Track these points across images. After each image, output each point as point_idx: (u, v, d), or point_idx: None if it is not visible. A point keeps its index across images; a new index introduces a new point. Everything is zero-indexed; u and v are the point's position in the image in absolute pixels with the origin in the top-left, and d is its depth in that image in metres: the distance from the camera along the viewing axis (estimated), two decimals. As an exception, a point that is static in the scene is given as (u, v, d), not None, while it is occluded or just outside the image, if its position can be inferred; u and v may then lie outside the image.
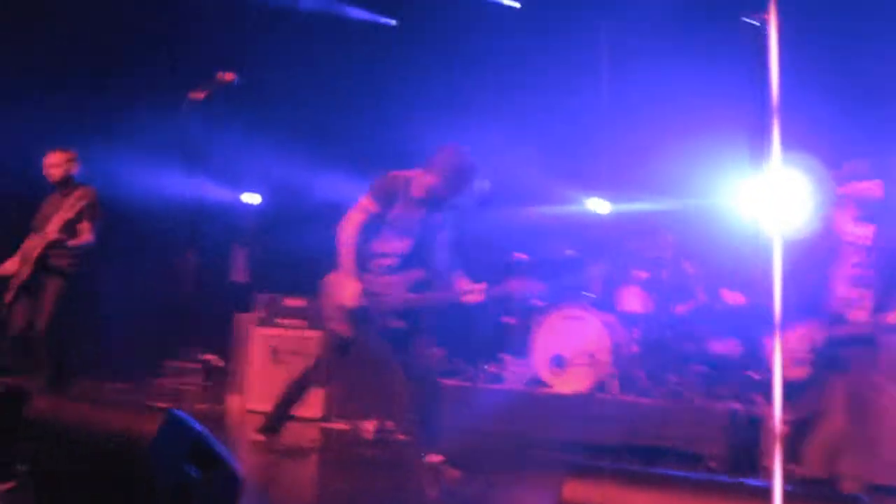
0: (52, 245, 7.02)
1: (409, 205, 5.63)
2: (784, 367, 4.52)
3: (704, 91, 7.05)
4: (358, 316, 5.54)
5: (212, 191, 5.39)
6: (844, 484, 4.87)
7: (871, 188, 5.20)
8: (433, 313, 5.70)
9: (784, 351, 4.70)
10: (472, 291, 5.59)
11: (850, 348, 5.12)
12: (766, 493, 2.06)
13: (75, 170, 7.40)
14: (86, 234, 7.18)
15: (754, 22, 3.49)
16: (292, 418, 6.00)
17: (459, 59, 9.99)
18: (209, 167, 5.06)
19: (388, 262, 5.64)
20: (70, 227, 7.10)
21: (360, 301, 5.51)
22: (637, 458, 6.58)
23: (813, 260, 5.19)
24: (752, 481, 2.22)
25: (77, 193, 7.23)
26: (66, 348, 7.31)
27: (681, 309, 7.93)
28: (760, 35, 3.48)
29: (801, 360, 5.13)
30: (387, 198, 5.60)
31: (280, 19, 10.36)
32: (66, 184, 7.32)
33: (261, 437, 5.81)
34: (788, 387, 4.61)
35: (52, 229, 7.04)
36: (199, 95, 5.04)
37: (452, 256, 5.80)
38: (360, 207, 5.61)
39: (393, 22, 11.10)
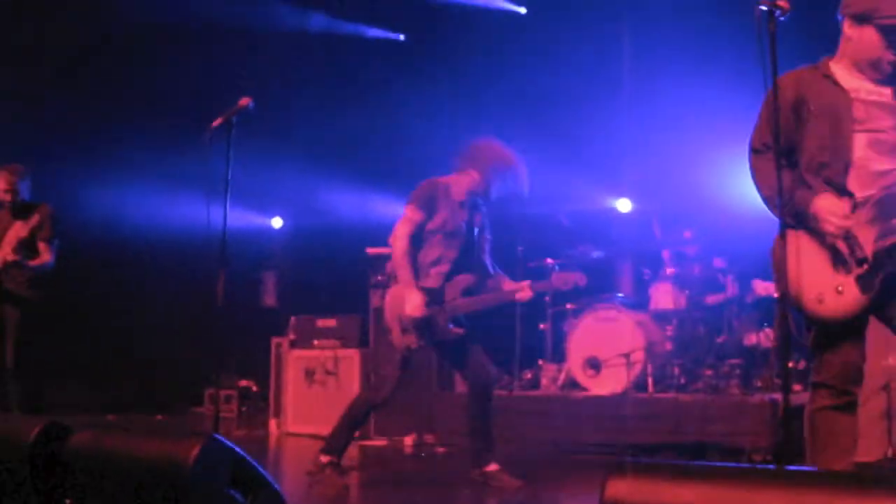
0: (9, 267, 6.62)
1: (452, 209, 5.63)
2: (813, 303, 3.50)
3: (725, 85, 7.04)
4: (423, 325, 5.52)
5: (237, 217, 5.41)
6: None
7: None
8: (483, 318, 5.69)
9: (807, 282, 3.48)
10: (520, 289, 5.61)
11: None
12: (814, 477, 2.04)
13: (26, 186, 6.91)
14: (44, 255, 6.78)
15: (765, 7, 3.45)
16: (353, 439, 5.87)
17: (475, 68, 10.01)
18: (233, 194, 5.07)
19: (442, 268, 5.64)
20: (26, 248, 6.68)
21: (425, 310, 5.50)
22: (678, 456, 6.55)
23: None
24: (795, 467, 2.20)
25: (32, 211, 6.77)
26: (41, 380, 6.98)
27: (711, 300, 7.89)
28: (771, 20, 3.47)
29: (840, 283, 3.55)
30: (429, 205, 5.60)
31: (292, 42, 10.42)
32: (17, 202, 6.85)
33: (324, 459, 5.67)
34: (823, 330, 3.63)
35: (7, 250, 6.61)
36: (218, 123, 5.07)
37: (492, 259, 5.83)
38: (406, 219, 5.59)
39: (401, 37, 11.14)
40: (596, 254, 7.94)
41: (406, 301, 5.48)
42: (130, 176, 9.49)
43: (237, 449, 3.40)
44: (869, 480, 1.90)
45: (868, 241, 3.53)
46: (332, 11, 10.73)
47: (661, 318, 7.86)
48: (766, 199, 3.72)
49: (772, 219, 3.65)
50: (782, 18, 3.48)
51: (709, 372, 7.46)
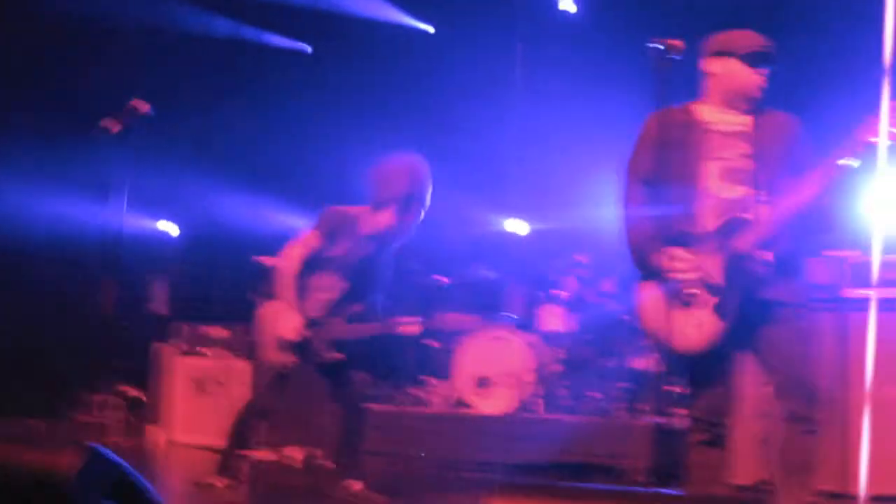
0: None
1: (355, 242, 5.57)
2: (678, 341, 3.62)
3: (616, 113, 7.20)
4: (298, 347, 5.49)
5: (129, 221, 5.31)
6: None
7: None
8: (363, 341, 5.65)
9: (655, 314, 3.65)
10: (409, 323, 5.58)
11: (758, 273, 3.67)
12: (683, 500, 2.11)
13: None
14: None
15: (659, 46, 3.59)
16: (244, 457, 5.83)
17: (377, 83, 10.03)
18: (126, 197, 4.99)
19: (331, 296, 5.60)
20: None
21: (302, 334, 5.46)
22: (564, 476, 6.64)
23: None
24: (669, 490, 2.27)
25: None
26: None
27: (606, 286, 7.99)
28: (664, 59, 3.59)
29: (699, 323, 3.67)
30: (331, 234, 5.52)
31: (194, 46, 10.30)
32: None
33: (219, 482, 5.62)
34: (691, 367, 3.77)
35: None
36: (113, 125, 4.98)
37: (384, 296, 5.79)
38: (303, 242, 5.49)
39: (308, 48, 11.11)
40: (489, 274, 8.03)
41: (284, 322, 5.44)
42: (17, 175, 9.24)
43: (118, 459, 3.34)
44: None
45: (717, 269, 3.67)
46: (238, 17, 10.64)
47: (552, 339, 7.96)
48: (630, 246, 3.89)
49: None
50: (676, 57, 3.61)
51: (597, 395, 7.59)
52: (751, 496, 5.43)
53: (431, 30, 10.53)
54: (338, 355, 5.53)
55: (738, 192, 3.80)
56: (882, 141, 3.46)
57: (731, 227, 3.72)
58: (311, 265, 5.54)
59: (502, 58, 9.69)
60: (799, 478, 3.68)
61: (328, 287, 5.57)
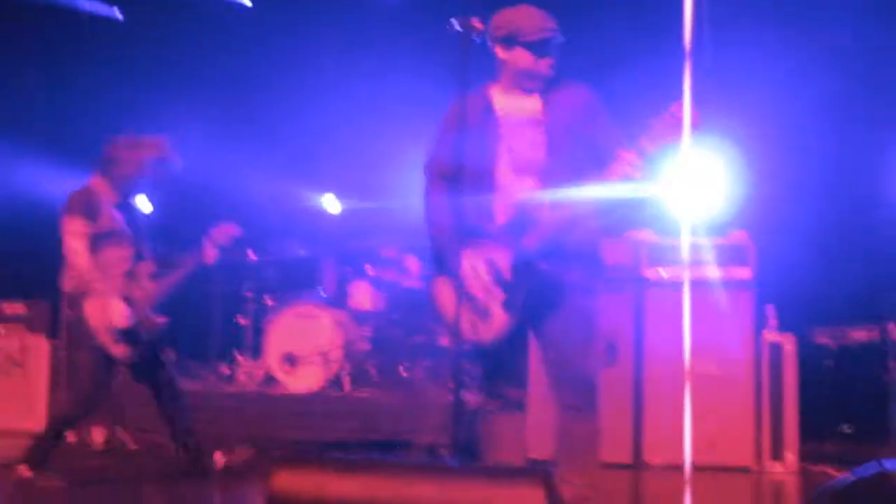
0: None
1: (110, 210, 5.58)
2: (469, 332, 3.76)
3: (428, 93, 7.30)
4: (131, 332, 5.44)
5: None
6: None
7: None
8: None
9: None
10: (204, 253, 5.71)
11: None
12: (464, 471, 2.18)
13: None
14: None
15: (458, 27, 3.65)
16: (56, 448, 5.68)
17: (190, 55, 9.83)
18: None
19: (124, 268, 5.56)
20: None
21: (131, 313, 5.43)
22: (372, 452, 6.71)
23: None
24: (450, 461, 2.35)
25: None
26: None
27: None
28: (465, 39, 3.65)
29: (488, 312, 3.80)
30: (89, 211, 5.51)
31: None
32: None
33: (28, 473, 5.45)
34: (484, 354, 3.94)
35: None
36: None
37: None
38: (74, 233, 5.47)
39: (120, 16, 10.76)
40: (299, 251, 8.02)
41: (111, 312, 5.38)
42: None
43: None
44: (504, 474, 2.06)
45: (506, 263, 3.78)
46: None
47: (360, 317, 8.03)
48: (431, 239, 3.96)
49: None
50: (477, 39, 3.67)
51: (404, 372, 7.70)
52: (542, 468, 5.62)
53: (249, 3, 10.37)
54: (163, 318, 5.58)
55: (528, 185, 3.83)
56: (686, 123, 3.50)
57: (518, 224, 3.77)
58: (93, 248, 5.50)
59: (317, 34, 9.65)
60: (574, 463, 3.83)
61: (119, 260, 5.55)
